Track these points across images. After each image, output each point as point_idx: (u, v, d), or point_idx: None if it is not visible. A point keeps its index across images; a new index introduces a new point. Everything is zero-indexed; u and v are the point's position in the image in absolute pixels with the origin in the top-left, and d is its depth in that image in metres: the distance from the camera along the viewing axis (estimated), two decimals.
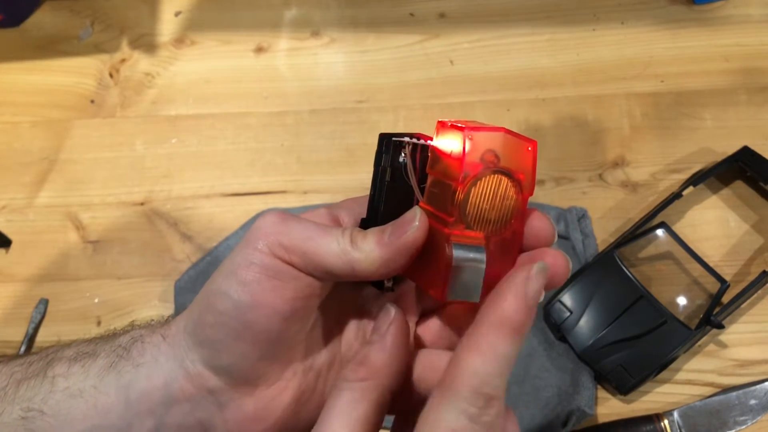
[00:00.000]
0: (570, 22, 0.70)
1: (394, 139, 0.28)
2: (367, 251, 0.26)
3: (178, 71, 0.70)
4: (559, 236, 0.59)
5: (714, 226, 0.59)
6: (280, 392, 0.28)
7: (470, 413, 0.22)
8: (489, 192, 0.26)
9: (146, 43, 0.72)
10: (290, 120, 0.67)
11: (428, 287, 0.27)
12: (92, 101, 0.69)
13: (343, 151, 0.65)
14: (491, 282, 0.26)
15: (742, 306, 0.56)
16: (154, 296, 0.60)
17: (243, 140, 0.66)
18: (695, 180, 0.59)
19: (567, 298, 0.54)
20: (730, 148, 0.60)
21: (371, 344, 0.26)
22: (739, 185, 0.61)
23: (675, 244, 0.55)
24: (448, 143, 0.27)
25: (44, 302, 0.60)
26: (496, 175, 0.26)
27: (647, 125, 0.64)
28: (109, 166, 0.66)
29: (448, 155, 0.26)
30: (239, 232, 0.61)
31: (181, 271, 0.60)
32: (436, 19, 0.71)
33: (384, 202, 0.28)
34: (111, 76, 0.70)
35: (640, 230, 0.56)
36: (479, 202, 0.26)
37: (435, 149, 0.28)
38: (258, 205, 0.62)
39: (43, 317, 0.59)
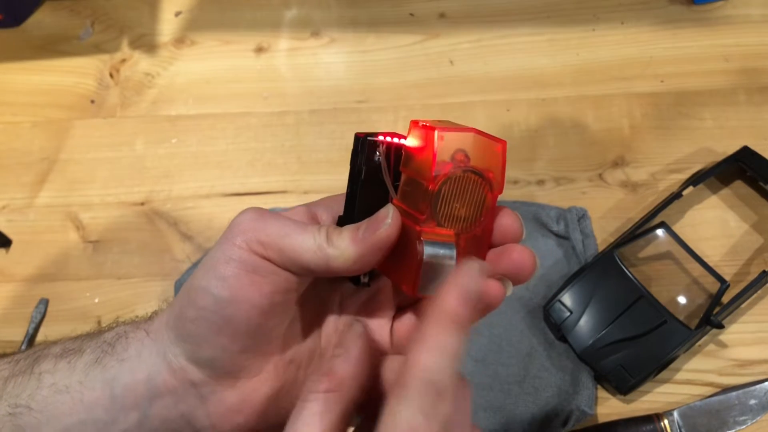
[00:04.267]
0: (570, 22, 0.70)
1: (369, 138, 0.28)
2: (342, 248, 0.26)
3: (178, 71, 0.70)
4: (559, 236, 0.59)
5: (714, 226, 0.60)
6: (260, 384, 0.28)
7: (424, 409, 0.23)
8: (459, 190, 0.27)
9: (146, 43, 0.72)
10: (290, 120, 0.67)
11: (400, 283, 0.28)
12: (92, 101, 0.69)
13: (343, 151, 0.65)
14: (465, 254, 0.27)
15: (742, 306, 0.56)
16: (154, 296, 0.60)
17: (243, 140, 0.66)
18: (695, 180, 0.59)
19: (567, 298, 0.54)
20: (730, 148, 0.60)
21: (336, 357, 0.26)
22: (739, 185, 0.61)
23: (675, 244, 0.55)
24: (420, 143, 0.27)
25: (44, 302, 0.60)
26: (466, 174, 0.27)
27: (647, 125, 0.64)
28: (109, 166, 0.66)
29: (420, 155, 0.27)
30: None
31: (181, 270, 0.60)
32: (436, 19, 0.71)
33: (360, 200, 0.29)
34: (111, 76, 0.70)
35: (640, 230, 0.56)
36: (450, 200, 0.27)
37: (408, 148, 0.28)
38: (258, 205, 0.62)
39: (43, 317, 0.59)
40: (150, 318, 0.30)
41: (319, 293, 0.31)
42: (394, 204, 0.28)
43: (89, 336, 0.30)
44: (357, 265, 0.27)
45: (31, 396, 0.28)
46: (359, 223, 0.27)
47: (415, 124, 0.28)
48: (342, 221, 0.30)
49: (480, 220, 0.28)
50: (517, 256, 0.27)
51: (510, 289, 0.27)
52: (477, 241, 0.28)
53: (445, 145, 0.26)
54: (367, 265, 0.27)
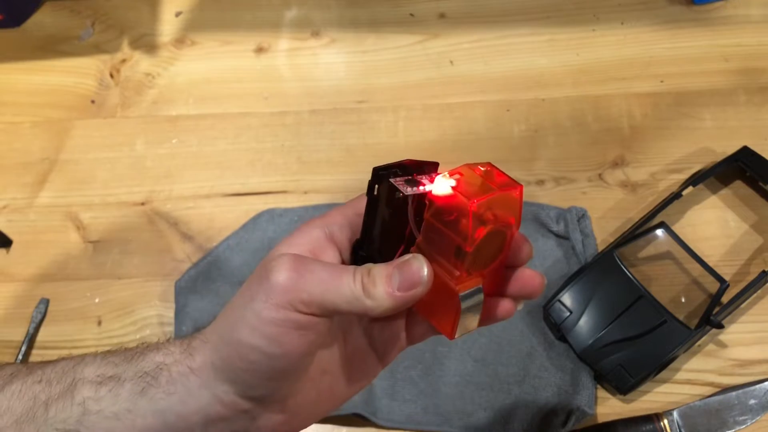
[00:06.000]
0: (570, 23, 0.70)
1: (391, 181, 0.29)
2: (379, 301, 0.29)
3: (178, 71, 0.70)
4: (559, 236, 0.59)
5: (713, 226, 0.60)
6: (302, 400, 0.31)
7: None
8: (488, 242, 0.29)
9: (147, 44, 0.72)
10: (290, 120, 0.67)
11: (439, 327, 0.31)
12: (93, 101, 0.69)
13: (343, 151, 0.65)
14: (487, 296, 0.30)
15: (742, 306, 0.56)
16: (154, 296, 0.60)
17: (243, 140, 0.66)
18: (695, 180, 0.59)
19: (567, 298, 0.54)
20: (730, 148, 0.61)
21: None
22: (739, 185, 0.61)
23: (675, 244, 0.55)
24: (452, 205, 0.29)
25: (45, 302, 0.60)
26: (495, 231, 0.29)
27: (647, 125, 0.64)
28: (109, 166, 0.66)
29: (452, 216, 0.29)
30: (239, 232, 0.61)
31: (181, 270, 0.60)
32: (436, 20, 0.71)
33: (378, 231, 0.31)
34: (111, 76, 0.70)
35: (640, 230, 0.56)
36: (481, 251, 0.29)
37: (438, 203, 0.29)
38: (258, 205, 0.63)
39: (43, 317, 0.59)
40: (187, 352, 0.31)
41: (338, 320, 0.33)
42: (418, 245, 0.30)
43: (123, 359, 0.32)
44: (392, 313, 0.29)
45: (79, 421, 0.30)
46: (389, 267, 0.29)
47: (445, 179, 0.29)
48: (358, 245, 0.32)
49: (501, 255, 0.31)
50: (527, 279, 0.31)
51: (521, 305, 0.32)
52: (496, 269, 0.31)
53: (478, 211, 0.28)
54: (398, 311, 0.30)
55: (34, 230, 0.63)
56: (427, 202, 0.30)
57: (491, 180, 0.29)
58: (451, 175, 0.29)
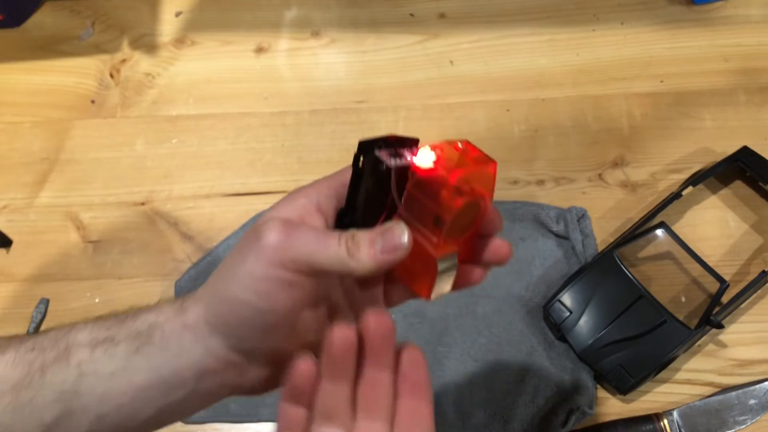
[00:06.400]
0: (570, 23, 0.70)
1: (376, 153, 0.32)
2: (362, 262, 0.31)
3: (178, 71, 0.70)
4: (559, 236, 0.59)
5: (713, 226, 0.60)
6: (288, 357, 0.32)
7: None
8: (464, 214, 0.32)
9: (147, 44, 0.72)
10: (290, 120, 0.67)
11: (415, 288, 0.33)
12: (93, 101, 0.69)
13: (343, 151, 0.65)
14: (460, 262, 0.33)
15: (742, 306, 0.56)
16: (154, 296, 0.60)
17: (243, 140, 0.66)
18: (695, 180, 0.59)
19: (567, 298, 0.54)
20: (730, 148, 0.61)
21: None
22: (739, 185, 0.61)
23: (674, 244, 0.55)
24: (433, 176, 0.31)
25: (45, 302, 0.60)
26: (471, 202, 0.32)
27: (647, 125, 0.64)
28: (109, 166, 0.66)
29: (432, 187, 0.31)
30: (239, 231, 0.61)
31: (181, 270, 0.60)
32: (436, 20, 0.71)
33: (360, 213, 0.32)
34: (111, 76, 0.70)
35: (640, 230, 0.56)
36: (457, 221, 0.31)
37: (420, 175, 0.31)
38: (258, 205, 0.63)
39: (43, 317, 0.59)
40: (180, 309, 0.33)
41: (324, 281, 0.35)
42: (399, 214, 0.32)
43: (115, 322, 0.33)
44: (374, 274, 0.31)
45: (75, 383, 0.31)
46: (373, 233, 0.31)
47: (426, 153, 0.31)
48: (343, 213, 0.33)
49: (475, 225, 0.33)
50: (495, 247, 0.34)
51: (489, 270, 0.35)
52: (470, 237, 0.33)
53: (456, 187, 0.30)
54: (381, 273, 0.32)
55: (34, 230, 0.63)
56: (409, 174, 0.32)
57: (468, 156, 0.31)
58: (432, 149, 0.31)
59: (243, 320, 0.31)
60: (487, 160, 0.32)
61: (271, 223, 0.31)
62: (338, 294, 0.36)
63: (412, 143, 0.32)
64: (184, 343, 0.32)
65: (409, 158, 0.32)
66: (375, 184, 0.32)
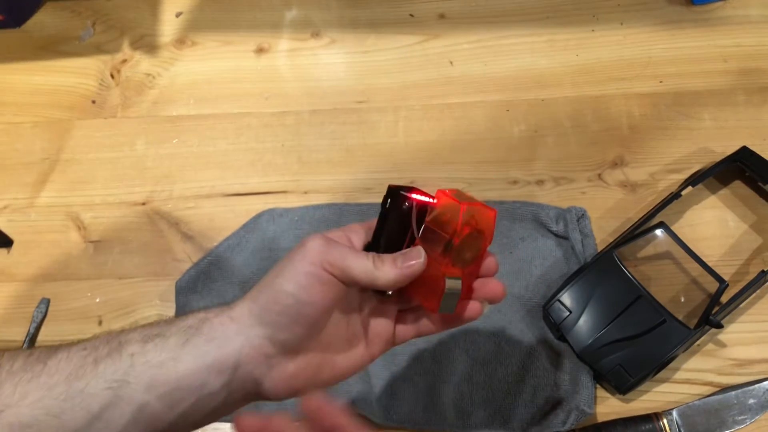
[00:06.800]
0: (569, 23, 0.70)
1: (401, 192, 0.39)
2: (386, 272, 0.37)
3: (179, 72, 0.70)
4: (559, 236, 0.59)
5: (713, 226, 0.60)
6: (309, 359, 0.38)
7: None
8: (469, 243, 0.39)
9: (147, 44, 0.72)
10: (291, 120, 0.67)
11: (425, 303, 0.40)
12: (93, 102, 0.69)
13: (343, 151, 0.65)
14: (462, 298, 0.39)
15: (741, 305, 0.56)
16: (155, 296, 0.60)
17: (244, 140, 0.66)
18: (694, 180, 0.59)
19: (566, 298, 0.54)
20: (729, 148, 0.61)
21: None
22: (738, 185, 0.61)
23: (674, 244, 0.55)
24: (447, 209, 0.39)
25: (46, 302, 0.60)
26: (474, 233, 0.39)
27: (646, 125, 0.64)
28: (110, 166, 0.66)
29: (446, 217, 0.39)
30: (239, 231, 0.61)
31: (181, 270, 0.60)
32: (436, 20, 0.71)
33: (384, 241, 0.40)
34: (112, 76, 0.70)
35: (639, 230, 0.57)
36: (463, 249, 0.39)
37: (437, 208, 0.39)
38: (259, 205, 0.63)
39: (44, 317, 0.59)
40: (228, 307, 0.38)
41: (349, 298, 0.40)
42: (417, 244, 0.39)
43: (165, 324, 0.37)
44: (392, 284, 0.38)
45: (126, 372, 0.35)
46: (396, 254, 0.38)
47: (443, 193, 0.39)
48: (369, 246, 0.40)
49: (477, 262, 0.40)
50: (492, 286, 0.41)
51: (487, 307, 0.41)
52: (471, 274, 0.40)
53: (465, 214, 0.38)
54: (399, 286, 0.38)
55: (35, 230, 0.63)
56: (428, 209, 0.39)
57: (474, 202, 0.39)
58: (446, 193, 0.39)
59: (283, 308, 0.36)
60: (489, 208, 0.39)
61: (315, 236, 0.38)
62: (356, 320, 0.41)
63: (430, 195, 0.40)
64: (228, 333, 0.36)
65: (427, 199, 0.40)
66: (397, 221, 0.39)
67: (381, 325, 0.41)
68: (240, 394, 0.37)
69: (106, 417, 0.34)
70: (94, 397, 0.34)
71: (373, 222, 0.41)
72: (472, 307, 0.40)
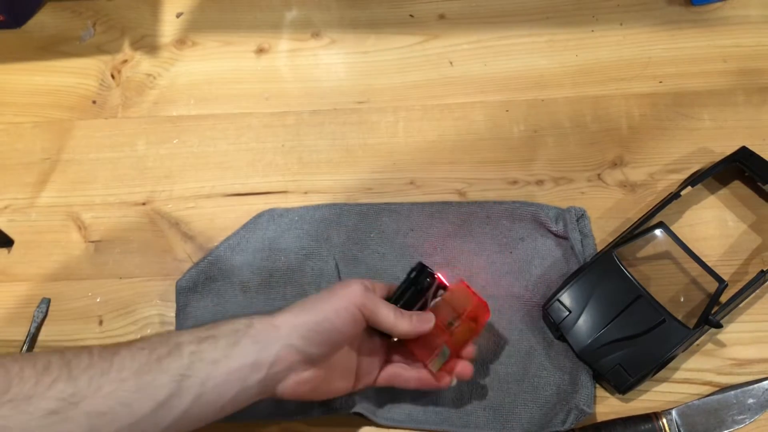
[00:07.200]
0: (569, 23, 0.70)
1: (428, 270, 0.51)
2: (403, 324, 0.48)
3: (179, 72, 0.70)
4: (558, 236, 0.59)
5: (712, 226, 0.60)
6: (319, 373, 0.47)
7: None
8: (466, 329, 0.50)
9: (148, 44, 0.72)
10: (291, 120, 0.67)
11: (421, 357, 0.50)
12: (94, 102, 0.69)
13: (343, 151, 0.65)
14: (451, 358, 0.50)
15: (740, 305, 0.56)
16: (155, 296, 0.60)
17: (244, 141, 0.66)
18: (693, 180, 0.59)
19: (566, 298, 0.54)
20: (728, 148, 0.61)
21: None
22: (737, 185, 0.61)
23: (673, 243, 0.55)
24: (462, 295, 0.51)
25: (46, 302, 0.60)
26: (472, 325, 0.51)
27: (646, 126, 0.65)
28: (110, 166, 0.66)
29: (459, 302, 0.51)
30: (240, 231, 0.61)
31: (182, 270, 0.60)
32: (436, 21, 0.71)
33: (404, 299, 0.51)
34: (113, 76, 0.71)
35: (639, 230, 0.57)
36: (462, 330, 0.50)
37: (454, 292, 0.51)
38: (259, 205, 0.63)
39: (45, 316, 0.59)
40: (273, 317, 0.46)
41: (358, 339, 0.50)
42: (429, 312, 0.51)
43: (211, 326, 0.45)
44: (405, 336, 0.49)
45: (187, 367, 0.42)
46: (413, 312, 0.49)
47: (464, 284, 0.51)
48: (390, 301, 0.50)
49: (467, 340, 0.51)
50: (464, 366, 0.51)
51: (454, 381, 0.51)
52: (458, 348, 0.51)
53: (476, 307, 0.51)
54: (409, 337, 0.49)
55: (35, 230, 0.63)
56: (447, 288, 0.52)
57: (479, 297, 0.51)
58: (466, 283, 0.52)
59: (319, 328, 0.45)
60: (488, 310, 0.51)
61: (357, 280, 0.48)
62: (354, 358, 0.50)
63: (446, 280, 0.52)
64: (270, 339, 0.44)
65: (445, 280, 0.52)
66: (416, 289, 0.51)
67: (369, 367, 0.51)
68: (263, 388, 0.44)
69: (169, 404, 0.41)
70: (160, 388, 0.41)
71: (392, 285, 0.52)
72: (445, 377, 0.50)
